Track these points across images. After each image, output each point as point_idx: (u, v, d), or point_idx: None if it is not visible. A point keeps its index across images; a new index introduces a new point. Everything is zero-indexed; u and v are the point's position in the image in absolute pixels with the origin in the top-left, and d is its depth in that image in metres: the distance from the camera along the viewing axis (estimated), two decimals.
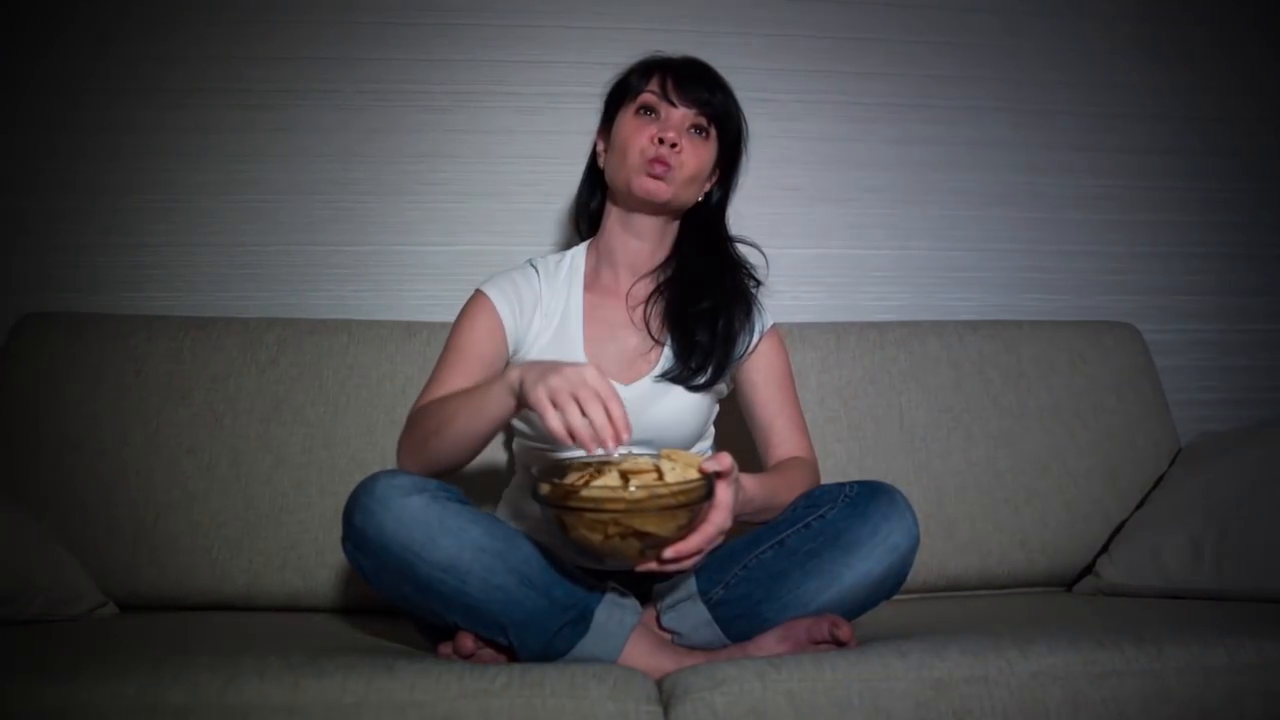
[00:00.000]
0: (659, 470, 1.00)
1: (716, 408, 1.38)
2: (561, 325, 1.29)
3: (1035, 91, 1.92)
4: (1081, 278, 1.91)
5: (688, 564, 0.98)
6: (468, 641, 1.04)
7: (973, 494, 1.55)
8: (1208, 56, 1.96)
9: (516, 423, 1.34)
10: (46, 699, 0.86)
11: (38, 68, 1.69)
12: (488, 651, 1.06)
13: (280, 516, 1.44)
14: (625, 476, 0.98)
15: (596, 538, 0.94)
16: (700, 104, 1.27)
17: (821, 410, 1.58)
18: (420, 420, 1.14)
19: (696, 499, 0.96)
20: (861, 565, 1.06)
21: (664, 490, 0.94)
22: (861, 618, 1.26)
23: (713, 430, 1.40)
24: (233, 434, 1.47)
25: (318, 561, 1.43)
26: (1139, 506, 1.53)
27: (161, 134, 1.71)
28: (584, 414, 0.94)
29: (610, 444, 0.93)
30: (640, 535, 0.94)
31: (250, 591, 1.42)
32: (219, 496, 1.44)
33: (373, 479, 1.03)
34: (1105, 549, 1.50)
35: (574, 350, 1.27)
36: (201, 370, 1.49)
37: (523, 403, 1.00)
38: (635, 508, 0.92)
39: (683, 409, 1.27)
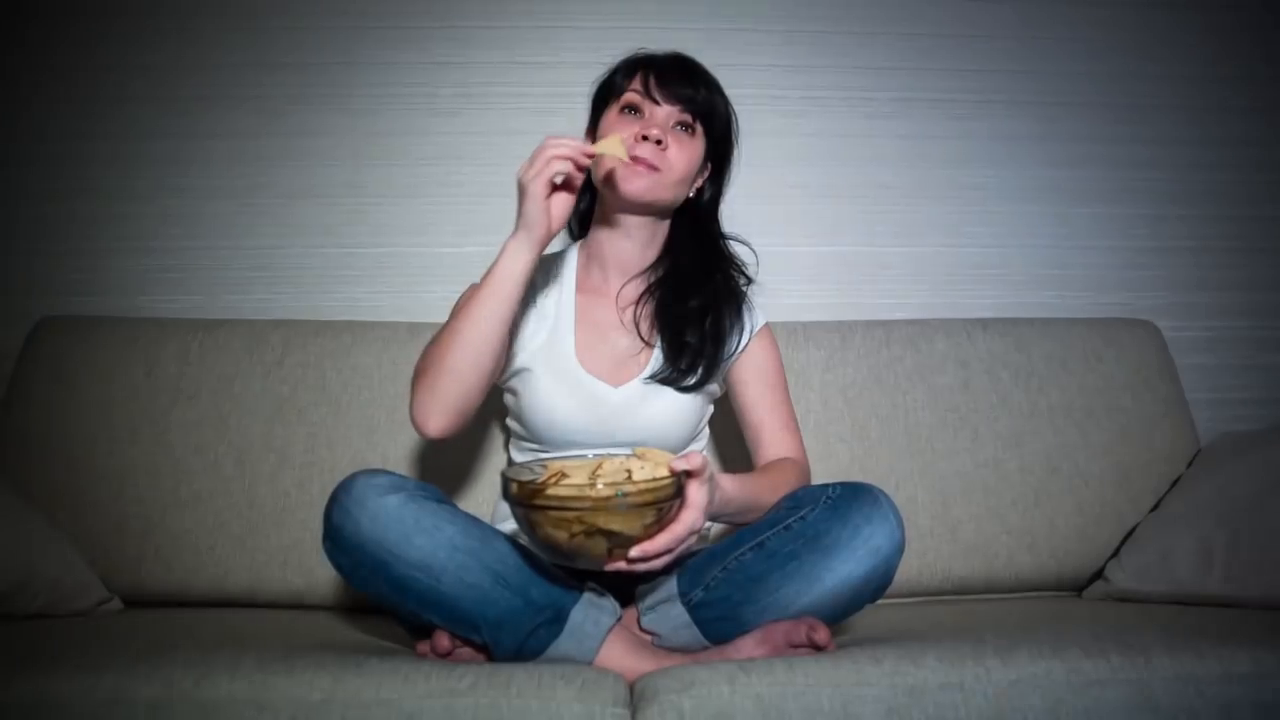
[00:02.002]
0: (629, 469, 0.99)
1: (711, 409, 1.37)
2: (554, 327, 1.29)
3: (1055, 83, 1.87)
4: (1102, 274, 1.85)
5: (657, 563, 0.97)
6: (444, 640, 1.05)
7: (979, 495, 1.51)
8: (1236, 44, 1.89)
9: (511, 423, 1.35)
10: (22, 692, 0.88)
11: (53, 77, 1.74)
12: (466, 650, 1.06)
13: (282, 516, 1.46)
14: (593, 475, 0.98)
15: (562, 536, 0.94)
16: (684, 101, 1.25)
17: (825, 410, 1.55)
18: (430, 352, 1.15)
19: (664, 498, 0.95)
20: (842, 568, 1.04)
21: (630, 489, 0.93)
22: (855, 621, 1.25)
23: (707, 431, 1.39)
24: (238, 434, 1.49)
25: (319, 560, 1.43)
26: (1154, 509, 1.47)
27: (176, 140, 1.75)
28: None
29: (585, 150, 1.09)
30: (607, 534, 0.93)
31: (252, 589, 1.44)
32: (223, 495, 1.46)
33: (351, 478, 1.04)
34: (1117, 553, 1.45)
35: (566, 352, 1.27)
36: (209, 371, 1.52)
37: (521, 205, 1.10)
38: (600, 506, 0.92)
39: (673, 410, 1.26)
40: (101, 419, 1.49)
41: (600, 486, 0.93)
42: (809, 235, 1.85)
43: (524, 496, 0.94)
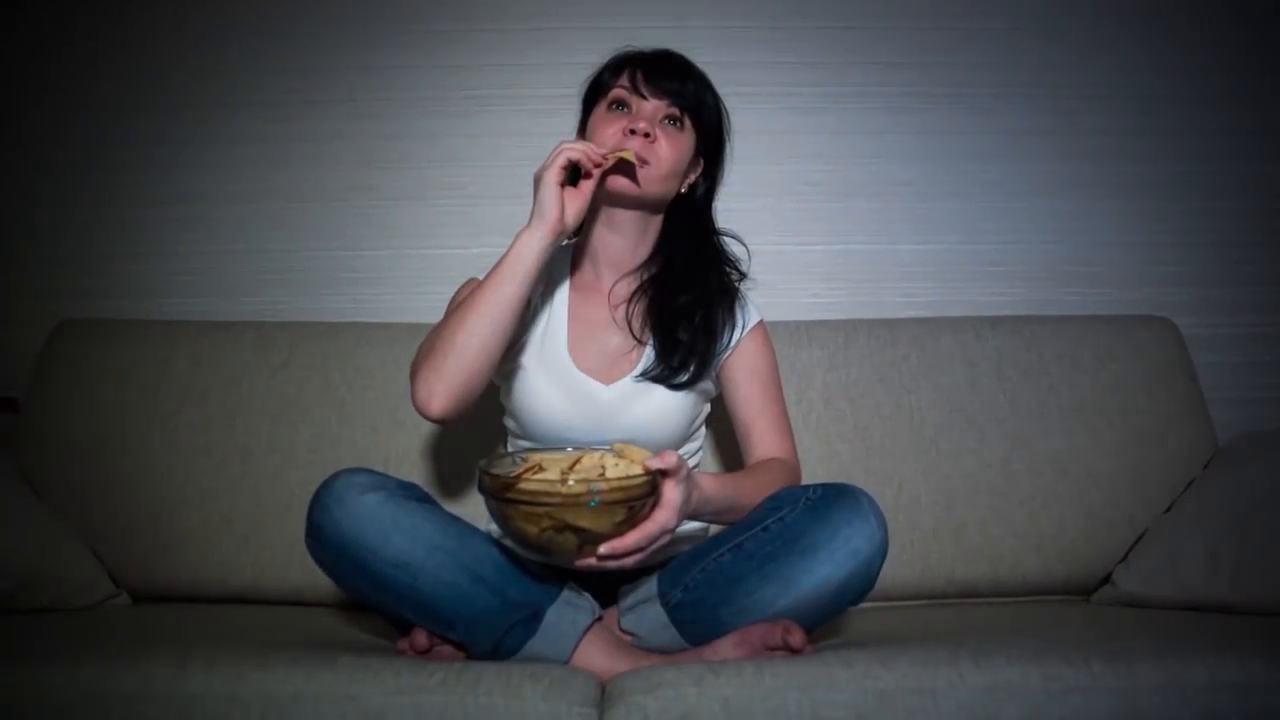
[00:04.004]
0: (604, 466, 0.99)
1: (707, 408, 1.36)
2: (547, 324, 1.29)
3: (1072, 75, 1.83)
4: (1123, 270, 1.80)
5: (628, 562, 0.96)
6: (421, 638, 1.05)
7: (985, 497, 1.47)
8: (1258, 32, 1.82)
9: (507, 420, 1.35)
10: (4, 685, 0.90)
11: (73, 87, 1.80)
12: (445, 648, 1.07)
13: (286, 514, 1.48)
14: (569, 470, 0.98)
15: (533, 530, 0.94)
16: (671, 94, 1.25)
17: (827, 410, 1.53)
18: (434, 336, 1.14)
19: (636, 496, 0.94)
20: (820, 570, 1.02)
21: (602, 486, 0.92)
22: (848, 625, 1.23)
23: (704, 430, 1.38)
24: (244, 434, 1.52)
25: None
26: (1167, 512, 1.42)
27: (192, 146, 1.80)
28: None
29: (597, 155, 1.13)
30: (577, 530, 0.93)
31: (256, 585, 1.46)
32: (230, 494, 1.49)
33: (333, 477, 1.06)
34: (1125, 557, 1.41)
35: (558, 349, 1.27)
36: (218, 372, 1.55)
37: (535, 196, 1.13)
38: (570, 503, 0.92)
39: (665, 409, 1.25)
40: (115, 419, 1.52)
41: (572, 483, 0.93)
42: (823, 233, 1.83)
43: (496, 489, 0.95)
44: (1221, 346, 1.76)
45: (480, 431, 1.50)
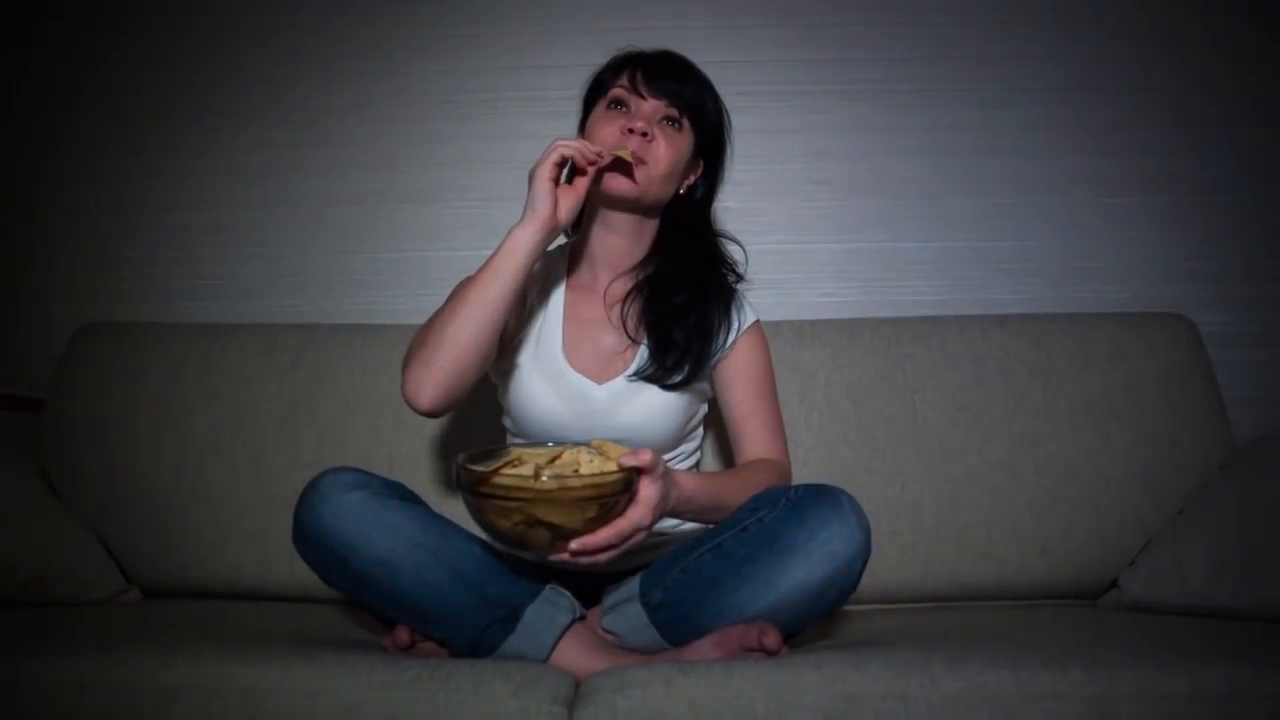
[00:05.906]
0: (580, 462, 0.99)
1: (704, 409, 1.35)
2: (543, 323, 1.29)
3: (1085, 68, 1.79)
4: (1142, 267, 1.76)
5: (601, 558, 0.96)
6: (403, 634, 1.07)
7: (989, 498, 1.44)
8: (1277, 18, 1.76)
9: (506, 420, 1.36)
10: None
11: (89, 96, 1.85)
12: (427, 645, 1.08)
13: (291, 513, 1.50)
14: (544, 465, 0.99)
15: (505, 524, 0.94)
16: (671, 95, 1.25)
17: (830, 410, 1.51)
18: (425, 329, 1.16)
19: (609, 493, 0.94)
20: (798, 572, 1.01)
21: (574, 482, 0.93)
22: (843, 627, 1.22)
23: (701, 432, 1.38)
24: (253, 434, 1.55)
25: None
26: (1179, 514, 1.38)
27: (207, 154, 1.84)
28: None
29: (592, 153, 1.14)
30: (548, 525, 0.94)
31: (262, 582, 1.49)
32: (238, 493, 1.52)
33: (319, 476, 1.08)
34: (1134, 561, 1.37)
35: (552, 348, 1.27)
36: (228, 374, 1.58)
37: (529, 193, 1.14)
38: (541, 498, 0.92)
39: (657, 408, 1.25)
40: (130, 420, 1.56)
41: (544, 479, 0.93)
42: (832, 232, 1.81)
43: (470, 483, 0.95)
44: (1244, 344, 1.70)
45: (481, 431, 1.51)
